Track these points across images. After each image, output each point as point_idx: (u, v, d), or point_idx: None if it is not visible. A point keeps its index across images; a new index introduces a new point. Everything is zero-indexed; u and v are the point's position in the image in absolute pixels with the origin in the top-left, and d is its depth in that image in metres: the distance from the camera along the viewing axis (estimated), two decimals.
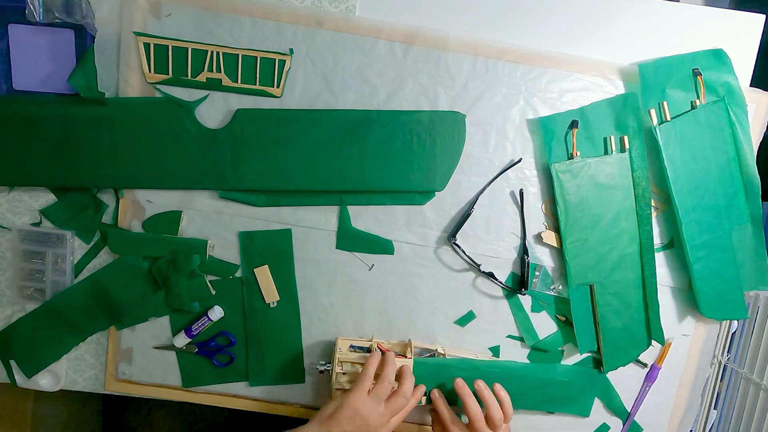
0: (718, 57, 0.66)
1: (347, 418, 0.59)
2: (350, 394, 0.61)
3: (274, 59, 0.66)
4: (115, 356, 0.71)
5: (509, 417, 0.65)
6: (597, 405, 0.73)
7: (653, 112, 0.66)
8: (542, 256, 0.70)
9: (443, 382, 0.67)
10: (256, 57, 0.65)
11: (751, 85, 0.68)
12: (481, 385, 0.64)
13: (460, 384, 0.65)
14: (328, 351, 0.71)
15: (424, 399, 0.67)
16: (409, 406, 0.64)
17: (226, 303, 0.70)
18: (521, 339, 0.71)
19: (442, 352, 0.69)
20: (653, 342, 0.70)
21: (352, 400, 0.60)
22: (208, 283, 0.69)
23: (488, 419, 0.63)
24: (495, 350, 0.72)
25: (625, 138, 0.67)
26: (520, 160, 0.68)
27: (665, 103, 0.66)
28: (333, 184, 0.67)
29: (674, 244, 0.70)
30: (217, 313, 0.69)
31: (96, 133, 0.65)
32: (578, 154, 0.67)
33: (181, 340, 0.70)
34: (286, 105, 0.67)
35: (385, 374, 0.62)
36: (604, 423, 0.73)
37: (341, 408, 0.60)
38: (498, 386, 0.65)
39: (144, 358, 0.71)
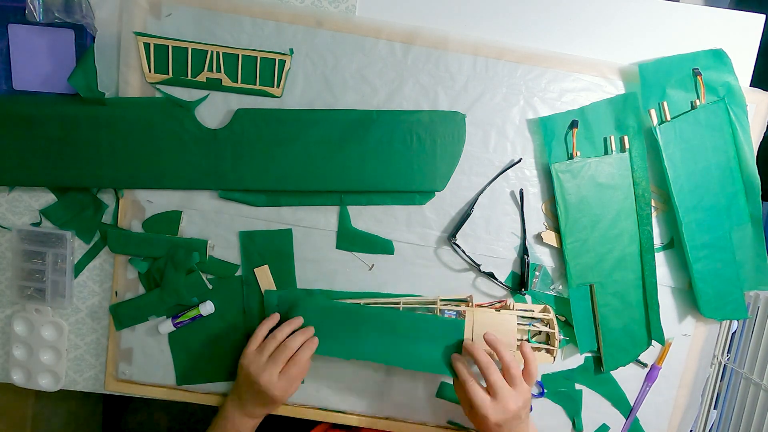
0: (718, 57, 0.66)
1: (242, 378, 0.64)
2: (241, 355, 0.64)
3: (274, 59, 0.66)
4: (115, 356, 0.71)
5: (533, 377, 0.61)
6: (597, 405, 0.73)
7: (653, 112, 0.66)
8: (542, 256, 0.70)
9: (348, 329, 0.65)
10: (256, 57, 0.65)
11: (751, 85, 0.68)
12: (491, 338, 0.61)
13: (493, 338, 0.61)
14: None
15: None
16: (301, 362, 0.62)
17: (226, 302, 0.70)
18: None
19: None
20: (653, 342, 0.70)
21: (241, 361, 0.64)
22: (204, 278, 0.69)
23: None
24: None
25: (625, 138, 0.67)
26: (520, 160, 0.68)
27: (665, 103, 0.66)
28: (333, 184, 0.67)
29: (674, 244, 0.70)
30: (208, 308, 0.69)
31: (96, 133, 0.65)
32: (578, 154, 0.67)
33: (166, 327, 0.69)
34: (286, 105, 0.67)
35: (274, 333, 0.64)
36: (604, 424, 0.73)
37: (238, 373, 0.65)
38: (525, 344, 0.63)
39: (144, 358, 0.71)
